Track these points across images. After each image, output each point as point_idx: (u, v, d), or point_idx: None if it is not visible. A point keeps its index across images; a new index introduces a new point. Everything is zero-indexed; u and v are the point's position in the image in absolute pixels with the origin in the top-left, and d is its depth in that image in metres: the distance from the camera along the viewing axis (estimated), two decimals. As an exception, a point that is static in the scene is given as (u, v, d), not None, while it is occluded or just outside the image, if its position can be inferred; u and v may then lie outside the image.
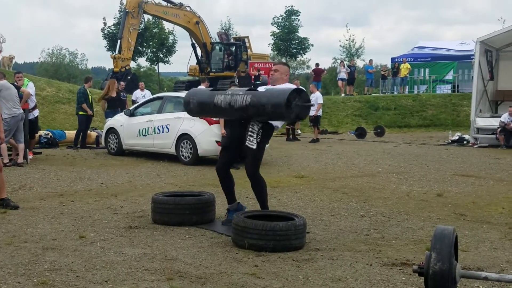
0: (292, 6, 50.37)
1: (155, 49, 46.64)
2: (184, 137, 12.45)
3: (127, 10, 30.38)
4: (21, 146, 11.78)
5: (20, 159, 11.74)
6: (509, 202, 8.46)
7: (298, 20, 49.36)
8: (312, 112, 19.49)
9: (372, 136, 22.11)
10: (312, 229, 6.61)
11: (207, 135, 12.18)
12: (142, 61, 51.04)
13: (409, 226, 6.91)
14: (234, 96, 6.22)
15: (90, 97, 15.62)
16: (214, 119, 11.94)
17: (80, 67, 65.73)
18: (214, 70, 33.09)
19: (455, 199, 8.63)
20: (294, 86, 6.33)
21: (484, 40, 19.32)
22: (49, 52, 64.67)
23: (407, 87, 32.80)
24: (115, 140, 14.02)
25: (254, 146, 6.34)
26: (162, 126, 12.83)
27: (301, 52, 49.84)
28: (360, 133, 21.85)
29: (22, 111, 11.61)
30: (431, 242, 3.80)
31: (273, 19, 50.22)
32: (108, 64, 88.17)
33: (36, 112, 13.29)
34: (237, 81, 28.79)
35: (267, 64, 34.34)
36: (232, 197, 6.86)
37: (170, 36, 47.16)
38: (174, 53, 47.69)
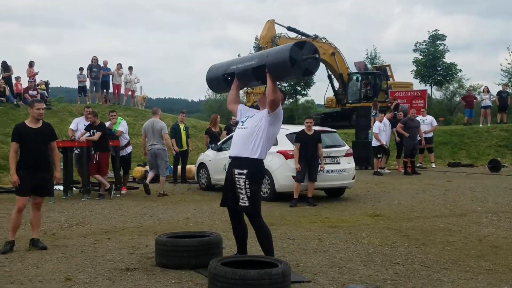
0: (436, 30, 47.89)
1: (292, 83, 46.74)
2: (264, 172, 11.99)
3: (260, 46, 30.70)
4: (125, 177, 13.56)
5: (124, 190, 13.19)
6: None
7: (444, 45, 46.82)
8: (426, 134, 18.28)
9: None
10: (319, 278, 5.82)
11: (284, 170, 11.64)
12: None
13: (440, 278, 5.87)
14: (243, 63, 6.24)
15: (183, 132, 15.74)
16: (290, 153, 11.43)
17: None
18: (350, 101, 32.17)
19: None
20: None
21: None
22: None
23: None
24: (205, 175, 13.96)
25: (247, 203, 5.94)
26: (244, 161, 12.48)
27: (448, 79, 47.01)
28: (494, 166, 19.68)
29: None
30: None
31: (415, 45, 48.03)
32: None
33: (129, 149, 13.67)
34: (374, 112, 27.85)
35: (409, 93, 32.75)
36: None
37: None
38: (312, 85, 47.54)
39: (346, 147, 12.56)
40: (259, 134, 6.01)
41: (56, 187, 13.39)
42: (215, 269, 5.14)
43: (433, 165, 20.39)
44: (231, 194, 6.14)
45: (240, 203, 5.99)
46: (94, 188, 13.11)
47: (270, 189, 11.83)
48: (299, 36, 31.20)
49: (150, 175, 13.21)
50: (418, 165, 19.76)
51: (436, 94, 56.53)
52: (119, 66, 24.44)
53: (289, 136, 11.92)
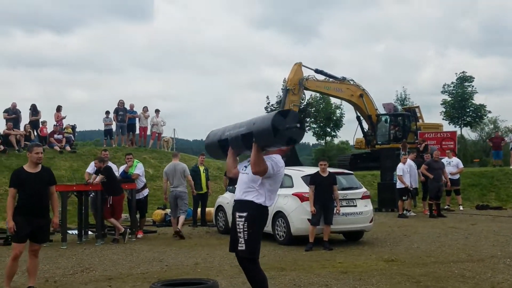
0: (464, 72, 47.19)
1: (322, 124, 46.61)
2: (279, 215, 11.81)
3: (287, 88, 30.70)
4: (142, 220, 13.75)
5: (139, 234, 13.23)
6: None
7: (472, 86, 46.17)
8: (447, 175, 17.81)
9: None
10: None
11: (300, 212, 11.43)
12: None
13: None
14: (235, 130, 6.19)
15: (202, 174, 15.69)
16: (306, 195, 11.25)
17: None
18: (380, 142, 31.79)
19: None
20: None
21: None
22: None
23: None
24: (223, 218, 13.81)
25: (244, 247, 5.80)
26: (260, 203, 12.31)
27: (477, 120, 46.24)
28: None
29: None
30: None
31: (443, 86, 47.42)
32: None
33: (145, 192, 13.64)
34: (403, 153, 27.45)
35: (438, 134, 32.27)
36: None
37: (337, 110, 46.91)
38: (341, 126, 47.30)
39: (363, 189, 12.29)
40: (259, 180, 5.90)
41: (70, 232, 13.44)
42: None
43: (461, 208, 19.84)
44: (234, 240, 6.02)
45: (238, 247, 5.85)
46: (110, 232, 13.05)
47: (286, 232, 11.61)
48: (327, 78, 31.23)
49: (174, 223, 13.50)
50: (445, 207, 19.28)
51: (472, 135, 55.72)
52: (145, 109, 24.69)
53: (305, 178, 11.74)
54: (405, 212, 17.61)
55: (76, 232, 12.91)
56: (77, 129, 26.51)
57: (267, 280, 5.94)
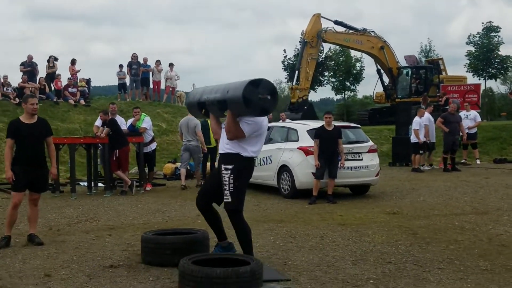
0: (490, 22, 45.73)
1: (341, 78, 45.97)
2: (284, 169, 11.80)
3: (305, 40, 30.20)
4: (150, 174, 13.90)
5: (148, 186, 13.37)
6: None
7: (498, 37, 44.83)
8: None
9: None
10: (301, 277, 5.62)
11: (304, 166, 11.38)
12: (323, 90, 50.68)
13: (427, 278, 5.62)
14: (211, 94, 6.08)
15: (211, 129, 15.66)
16: (310, 149, 11.19)
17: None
18: (400, 96, 31.33)
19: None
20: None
21: None
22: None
23: None
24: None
25: (229, 200, 5.79)
26: (266, 157, 12.32)
27: (502, 72, 45.13)
28: (541, 162, 18.87)
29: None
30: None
31: (469, 37, 45.95)
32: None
33: (153, 145, 13.70)
34: (424, 107, 27.02)
35: (462, 87, 31.64)
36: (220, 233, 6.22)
37: (357, 63, 46.15)
38: (361, 80, 46.61)
39: (370, 143, 12.17)
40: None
41: (81, 183, 13.62)
42: (183, 267, 5.03)
43: (478, 162, 19.56)
44: (211, 188, 6.04)
45: (224, 199, 5.85)
46: (120, 184, 13.19)
47: (290, 186, 11.61)
48: (347, 30, 30.63)
49: (183, 174, 13.73)
50: (462, 161, 19.05)
51: (501, 88, 54.53)
52: (158, 62, 24.60)
53: (310, 132, 11.65)
54: (421, 166, 17.38)
55: (86, 184, 13.07)
56: (99, 84, 26.66)
57: (251, 231, 5.96)
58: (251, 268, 4.95)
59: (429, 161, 18.36)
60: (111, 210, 10.24)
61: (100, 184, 13.27)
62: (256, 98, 5.42)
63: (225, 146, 5.87)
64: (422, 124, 17.26)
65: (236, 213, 5.86)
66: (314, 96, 76.45)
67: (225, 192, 5.79)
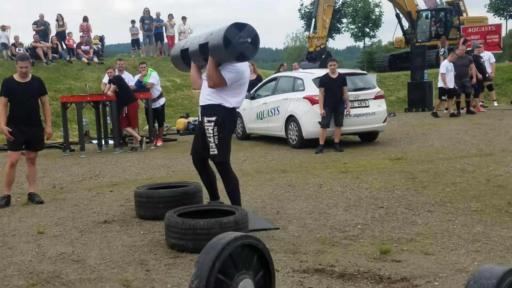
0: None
1: (360, 24, 45.03)
2: (292, 119, 11.74)
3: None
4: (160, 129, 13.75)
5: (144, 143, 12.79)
6: None
7: (523, -28, 43.00)
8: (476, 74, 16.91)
9: None
10: (290, 225, 5.66)
11: (311, 116, 11.28)
12: (341, 38, 49.62)
13: (415, 221, 5.65)
14: (195, 40, 6.06)
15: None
16: (316, 98, 11.10)
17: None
18: (420, 40, 30.67)
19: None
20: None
21: None
22: (293, 36, 67.09)
23: None
24: (240, 125, 13.80)
25: (216, 152, 5.80)
26: (274, 108, 12.26)
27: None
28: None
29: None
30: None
31: (491, -27, 44.22)
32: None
33: (162, 101, 13.63)
34: (442, 50, 26.47)
35: (482, 28, 30.79)
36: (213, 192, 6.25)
37: (376, 8, 45.09)
38: (380, 26, 45.58)
39: (376, 89, 12.00)
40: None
41: (93, 141, 13.74)
42: (168, 220, 5.10)
43: (495, 104, 19.18)
44: (201, 144, 6.04)
45: (210, 152, 5.87)
46: (130, 141, 13.27)
47: (298, 136, 11.57)
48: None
49: None
50: (480, 103, 18.66)
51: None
52: (171, 16, 24.38)
53: (315, 80, 11.51)
54: (445, 111, 16.89)
55: (95, 141, 13.19)
56: (118, 42, 26.56)
57: (238, 182, 5.99)
58: (235, 218, 4.99)
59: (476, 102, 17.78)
60: (117, 167, 10.34)
61: (110, 142, 13.33)
62: (237, 41, 5.37)
63: (206, 97, 5.83)
64: (450, 68, 16.49)
65: (223, 164, 5.88)
66: (339, 44, 75.88)
67: (210, 144, 5.81)
